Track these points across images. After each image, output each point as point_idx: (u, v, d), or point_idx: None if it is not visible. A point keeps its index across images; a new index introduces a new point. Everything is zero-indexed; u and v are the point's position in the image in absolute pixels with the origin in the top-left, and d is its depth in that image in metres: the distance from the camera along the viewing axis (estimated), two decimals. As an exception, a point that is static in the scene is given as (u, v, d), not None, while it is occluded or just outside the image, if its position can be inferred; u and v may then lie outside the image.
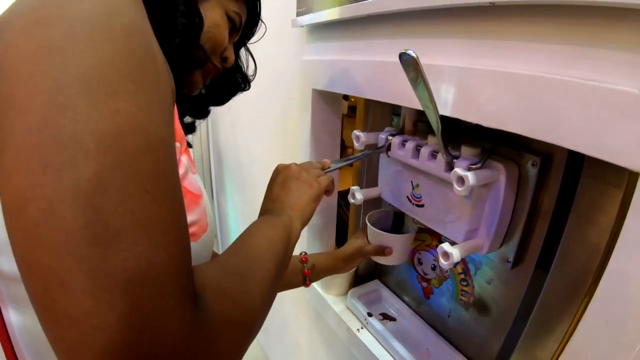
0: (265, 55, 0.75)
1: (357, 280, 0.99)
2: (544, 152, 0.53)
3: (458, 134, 0.58)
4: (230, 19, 0.53)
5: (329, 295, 0.98)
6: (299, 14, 0.82)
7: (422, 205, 0.66)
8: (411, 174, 0.66)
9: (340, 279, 0.95)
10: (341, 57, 0.74)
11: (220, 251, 0.48)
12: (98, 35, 0.26)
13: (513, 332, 0.63)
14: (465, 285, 0.72)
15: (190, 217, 0.39)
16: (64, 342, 0.23)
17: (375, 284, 0.97)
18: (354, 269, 0.92)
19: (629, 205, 0.34)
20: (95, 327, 0.22)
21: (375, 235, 0.76)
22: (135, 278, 0.23)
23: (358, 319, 0.90)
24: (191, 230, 0.40)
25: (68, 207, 0.23)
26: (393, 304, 0.91)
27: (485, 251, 0.58)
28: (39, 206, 0.23)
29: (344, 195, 0.86)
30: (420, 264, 0.83)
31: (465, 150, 0.55)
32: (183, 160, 0.42)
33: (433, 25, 0.53)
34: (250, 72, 0.70)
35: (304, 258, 0.75)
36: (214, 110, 0.70)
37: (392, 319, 0.88)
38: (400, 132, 0.68)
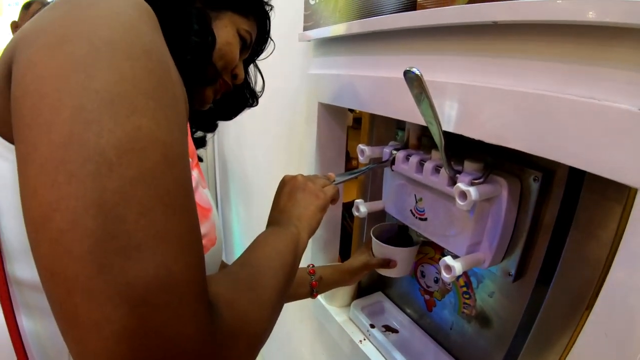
0: (272, 68, 0.76)
1: (360, 292, 0.99)
2: (546, 167, 0.53)
3: (461, 149, 0.59)
4: (241, 37, 0.54)
5: (332, 307, 0.99)
6: (306, 28, 0.84)
7: (425, 219, 0.66)
8: (415, 187, 0.67)
9: (344, 291, 0.96)
10: (347, 72, 0.75)
11: (224, 260, 0.49)
12: (119, 53, 0.28)
13: (515, 344, 0.63)
14: (468, 298, 0.72)
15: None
16: (86, 347, 0.24)
17: (378, 296, 0.97)
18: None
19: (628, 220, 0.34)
20: (117, 332, 0.23)
21: (380, 248, 0.77)
22: (155, 286, 0.24)
23: (361, 330, 0.90)
24: None
25: (92, 218, 0.24)
26: (396, 316, 0.91)
27: (487, 265, 0.59)
28: (64, 217, 0.24)
29: (348, 207, 0.86)
30: (423, 276, 0.83)
31: (468, 165, 0.56)
32: (194, 174, 0.43)
33: (437, 43, 0.54)
34: (258, 88, 0.71)
35: (311, 270, 0.76)
36: (220, 122, 0.72)
37: (395, 330, 0.88)
38: (405, 146, 0.69)
